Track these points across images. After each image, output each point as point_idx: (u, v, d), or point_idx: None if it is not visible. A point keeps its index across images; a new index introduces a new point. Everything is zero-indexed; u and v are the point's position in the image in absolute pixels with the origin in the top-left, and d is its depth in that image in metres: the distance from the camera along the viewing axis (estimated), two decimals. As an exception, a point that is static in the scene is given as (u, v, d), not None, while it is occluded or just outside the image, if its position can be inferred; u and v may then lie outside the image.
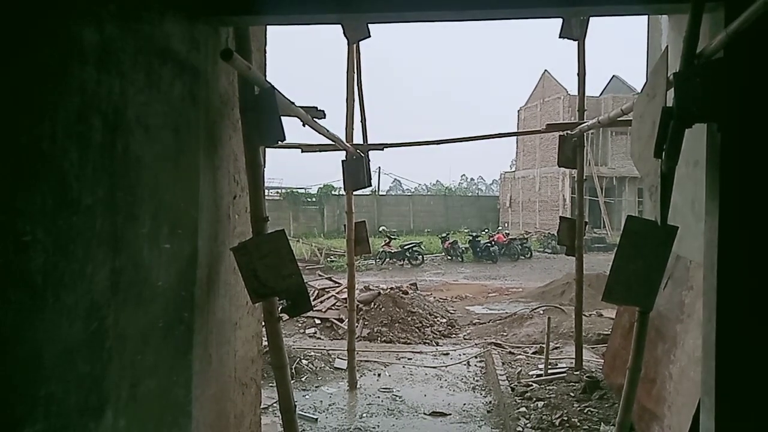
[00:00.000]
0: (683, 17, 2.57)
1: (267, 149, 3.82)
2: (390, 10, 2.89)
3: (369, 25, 6.11)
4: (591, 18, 6.10)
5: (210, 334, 2.89)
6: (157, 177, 2.34)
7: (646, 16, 6.00)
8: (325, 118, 4.38)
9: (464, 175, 73.48)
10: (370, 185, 6.82)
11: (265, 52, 3.70)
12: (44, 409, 1.70)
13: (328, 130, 4.75)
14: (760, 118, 2.47)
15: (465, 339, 9.67)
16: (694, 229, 3.43)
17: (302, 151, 6.51)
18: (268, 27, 3.72)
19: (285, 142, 3.13)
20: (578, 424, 4.72)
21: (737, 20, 2.04)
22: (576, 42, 6.24)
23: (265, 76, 3.56)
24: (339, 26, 5.97)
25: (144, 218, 2.24)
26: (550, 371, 6.36)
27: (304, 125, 4.13)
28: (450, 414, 5.72)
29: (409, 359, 7.81)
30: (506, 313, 11.51)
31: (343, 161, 6.36)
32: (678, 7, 2.93)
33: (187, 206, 2.63)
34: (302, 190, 36.61)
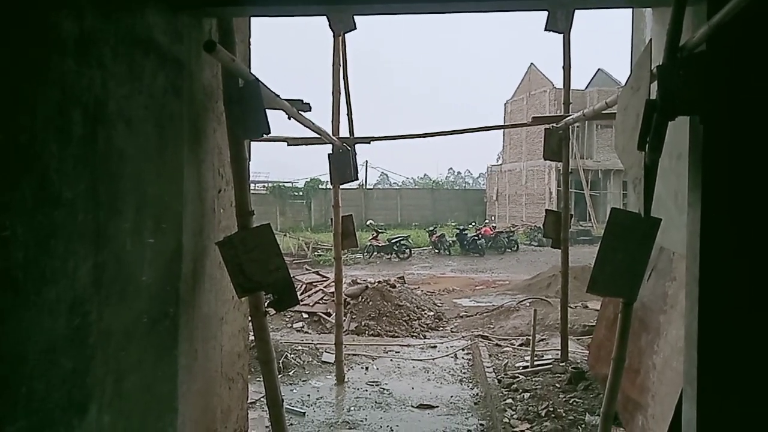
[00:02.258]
0: (667, 10, 2.58)
1: (252, 142, 3.80)
2: (376, 2, 2.87)
3: (355, 17, 6.08)
4: (576, 11, 6.12)
5: (196, 329, 2.87)
6: (140, 171, 2.31)
7: (631, 9, 6.02)
8: (310, 110, 4.35)
9: (451, 168, 73.41)
10: (357, 179, 6.80)
11: (250, 43, 3.66)
12: (26, 407, 1.68)
13: (313, 123, 4.72)
14: (742, 110, 2.50)
15: (452, 332, 9.72)
16: (677, 220, 3.47)
17: (288, 145, 6.47)
18: (252, 18, 3.68)
19: (271, 135, 3.10)
20: (564, 414, 4.78)
21: (719, 13, 2.05)
22: (561, 35, 6.27)
23: (250, 68, 3.52)
24: (325, 18, 5.94)
25: (127, 213, 2.21)
26: (536, 363, 6.42)
27: (289, 118, 4.10)
28: (437, 406, 5.75)
29: (396, 352, 7.83)
30: (493, 305, 11.59)
31: (329, 155, 6.34)
32: (661, 0, 2.95)
33: (172, 200, 2.60)
34: (289, 184, 36.43)
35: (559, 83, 7.69)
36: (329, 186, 6.88)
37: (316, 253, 21.69)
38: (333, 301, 8.09)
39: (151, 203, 2.40)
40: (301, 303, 9.93)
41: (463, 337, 8.92)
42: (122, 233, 2.18)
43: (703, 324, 2.55)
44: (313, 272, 12.96)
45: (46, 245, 1.76)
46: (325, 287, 10.90)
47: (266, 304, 3.07)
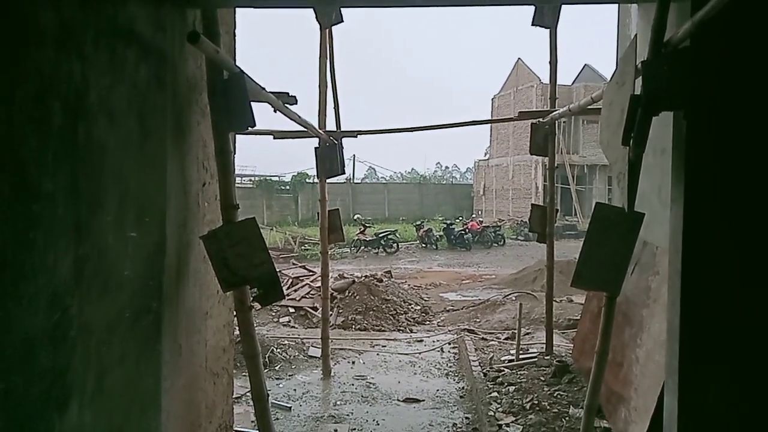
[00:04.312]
0: (651, 6, 2.60)
1: (238, 135, 3.76)
2: (362, -5, 2.85)
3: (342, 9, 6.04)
4: (563, 6, 6.14)
5: (179, 323, 2.84)
6: (122, 163, 2.27)
7: (616, 4, 6.05)
8: (296, 103, 4.31)
9: (439, 163, 73.46)
10: (344, 173, 6.77)
11: (235, 35, 3.62)
12: (4, 404, 1.65)
13: (300, 117, 4.69)
14: (725, 105, 2.52)
15: (438, 326, 9.77)
16: (660, 215, 3.50)
17: (274, 138, 6.43)
18: (237, 9, 3.63)
19: (256, 128, 3.07)
20: (548, 407, 4.82)
21: (703, 10, 2.07)
22: (548, 30, 6.28)
23: (235, 60, 3.48)
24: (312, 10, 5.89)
25: (109, 206, 2.18)
26: (521, 356, 6.47)
27: (275, 111, 4.06)
28: (423, 400, 5.78)
29: (383, 346, 7.84)
30: (479, 299, 11.66)
31: (316, 148, 6.31)
32: (647, -4, 2.97)
33: (154, 193, 2.57)
34: (276, 178, 36.24)
35: (546, 78, 7.70)
36: (316, 180, 6.85)
37: (302, 247, 21.64)
38: (319, 295, 8.08)
39: (134, 196, 2.37)
40: (288, 297, 9.90)
41: (449, 331, 8.96)
42: (104, 227, 2.15)
43: (685, 317, 2.58)
44: (300, 266, 12.92)
45: (24, 238, 1.72)
46: (311, 282, 10.88)
47: (251, 298, 3.05)
